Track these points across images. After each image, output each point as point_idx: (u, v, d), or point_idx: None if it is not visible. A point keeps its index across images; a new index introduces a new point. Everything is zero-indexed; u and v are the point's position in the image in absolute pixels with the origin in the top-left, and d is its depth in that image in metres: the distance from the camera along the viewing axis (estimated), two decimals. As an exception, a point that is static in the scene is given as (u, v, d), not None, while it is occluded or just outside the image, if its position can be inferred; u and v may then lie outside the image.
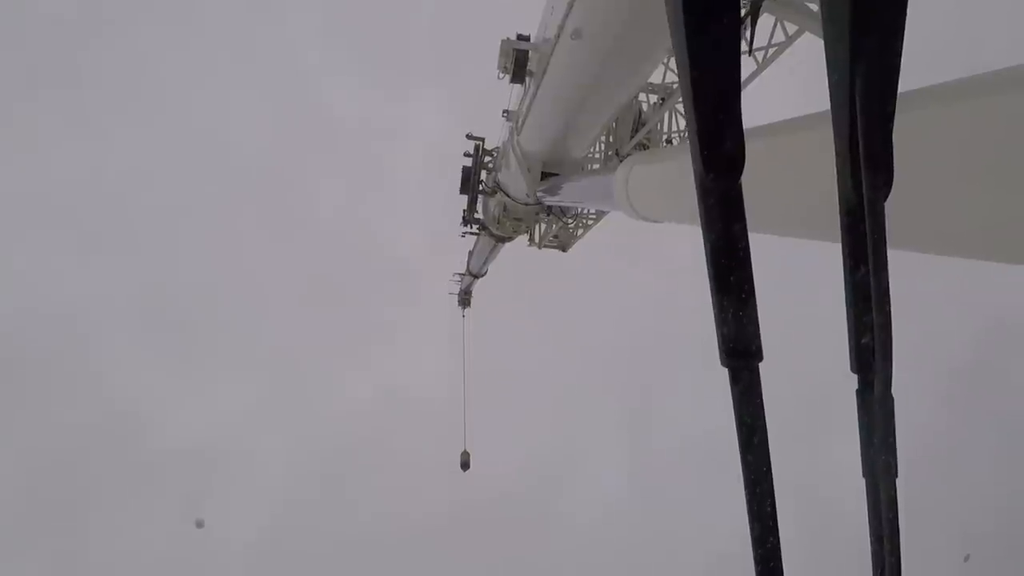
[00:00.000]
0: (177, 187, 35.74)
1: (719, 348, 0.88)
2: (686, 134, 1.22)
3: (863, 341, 0.98)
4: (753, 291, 0.86)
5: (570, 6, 4.31)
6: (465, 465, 16.95)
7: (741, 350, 0.87)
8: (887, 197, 0.93)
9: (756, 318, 0.87)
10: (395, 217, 41.28)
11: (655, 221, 4.19)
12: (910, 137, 1.28)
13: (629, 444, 40.16)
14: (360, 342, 40.15)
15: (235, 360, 37.41)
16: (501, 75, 6.37)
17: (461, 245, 15.84)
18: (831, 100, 0.91)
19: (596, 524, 38.06)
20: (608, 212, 9.26)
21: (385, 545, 36.02)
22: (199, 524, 29.09)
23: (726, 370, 0.90)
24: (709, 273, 0.86)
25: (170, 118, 34.91)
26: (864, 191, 0.91)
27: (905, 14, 0.83)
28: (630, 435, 40.34)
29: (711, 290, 0.86)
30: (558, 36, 4.69)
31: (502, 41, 6.18)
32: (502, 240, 12.82)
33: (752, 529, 0.90)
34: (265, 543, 35.06)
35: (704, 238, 0.85)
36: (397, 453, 37.64)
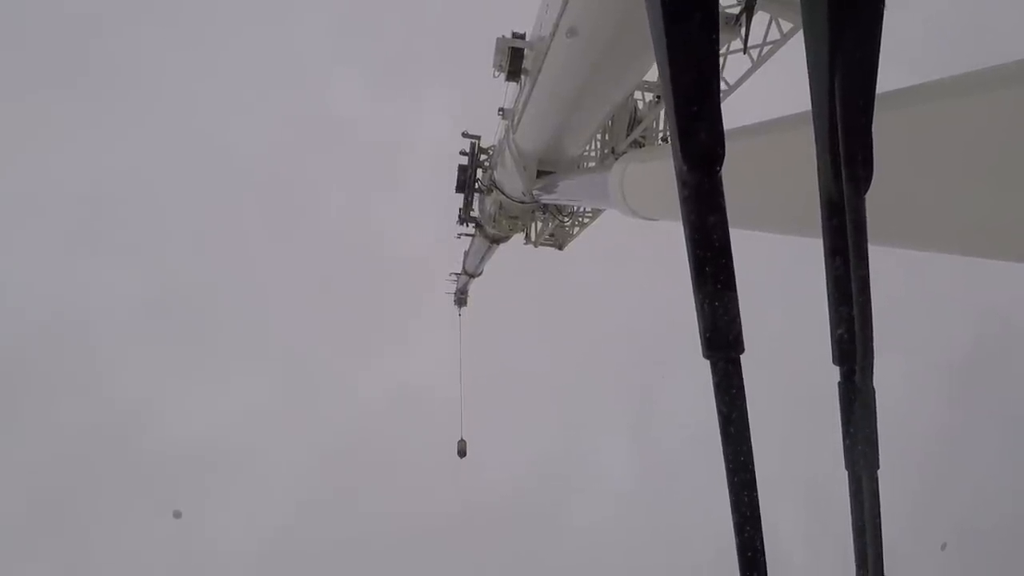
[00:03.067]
0: (182, 187, 35.71)
1: (700, 339, 0.89)
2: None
3: (844, 334, 0.99)
4: (733, 282, 0.87)
5: (565, 4, 4.31)
6: (462, 452, 17.65)
7: (721, 341, 0.88)
8: (867, 189, 0.95)
9: (736, 309, 0.88)
10: (403, 216, 41.15)
11: (650, 219, 4.20)
12: (892, 136, 1.29)
13: (636, 441, 40.29)
14: (368, 342, 40.22)
15: (243, 360, 37.49)
16: (496, 73, 6.38)
17: (466, 244, 15.92)
18: (811, 95, 0.92)
19: (604, 521, 38.18)
20: (604, 210, 9.27)
21: (392, 545, 36.08)
22: (176, 515, 29.13)
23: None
24: (690, 265, 0.87)
25: (175, 118, 34.87)
26: (844, 183, 0.92)
27: (883, 11, 0.84)
28: (637, 432, 40.49)
29: (692, 282, 0.87)
30: (553, 34, 4.69)
31: (497, 39, 6.19)
32: (497, 241, 12.84)
33: (733, 519, 0.91)
34: (274, 543, 35.08)
35: (684, 230, 0.86)
36: (405, 453, 37.71)
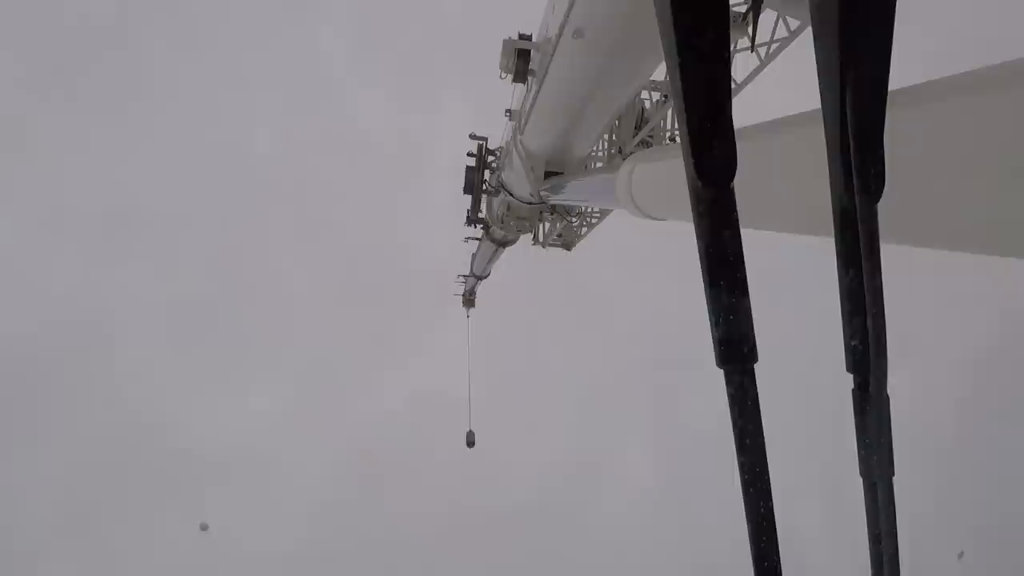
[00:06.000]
0: (202, 195, 36.14)
1: (714, 351, 0.90)
2: None
3: (858, 344, 1.00)
4: (747, 294, 0.87)
5: (571, 5, 4.31)
6: (470, 443, 18.45)
7: (735, 352, 0.88)
8: (879, 199, 0.94)
9: (750, 320, 0.88)
10: (422, 221, 41.24)
11: (658, 219, 4.19)
12: (903, 134, 1.28)
13: (654, 442, 40.12)
14: (388, 347, 40.48)
15: (264, 366, 37.93)
16: (503, 75, 6.39)
17: (474, 247, 15.97)
18: (822, 103, 0.92)
19: (622, 524, 38.11)
20: (612, 210, 9.25)
21: (410, 548, 36.23)
22: (203, 527, 29.47)
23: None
24: (703, 277, 0.87)
25: (195, 127, 35.32)
26: (856, 193, 0.92)
27: (894, 14, 0.84)
28: (654, 434, 40.33)
29: (705, 294, 0.88)
30: (559, 35, 4.69)
31: (504, 41, 6.20)
32: (503, 244, 12.88)
33: (749, 528, 0.91)
34: (297, 545, 35.33)
35: (697, 243, 0.87)
36: (425, 456, 37.89)
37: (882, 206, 0.96)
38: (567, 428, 40.50)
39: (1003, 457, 33.75)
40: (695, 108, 0.78)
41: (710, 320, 0.89)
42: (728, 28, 0.76)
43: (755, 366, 0.91)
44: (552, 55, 5.07)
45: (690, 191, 0.85)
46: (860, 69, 0.85)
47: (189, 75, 34.81)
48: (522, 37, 6.30)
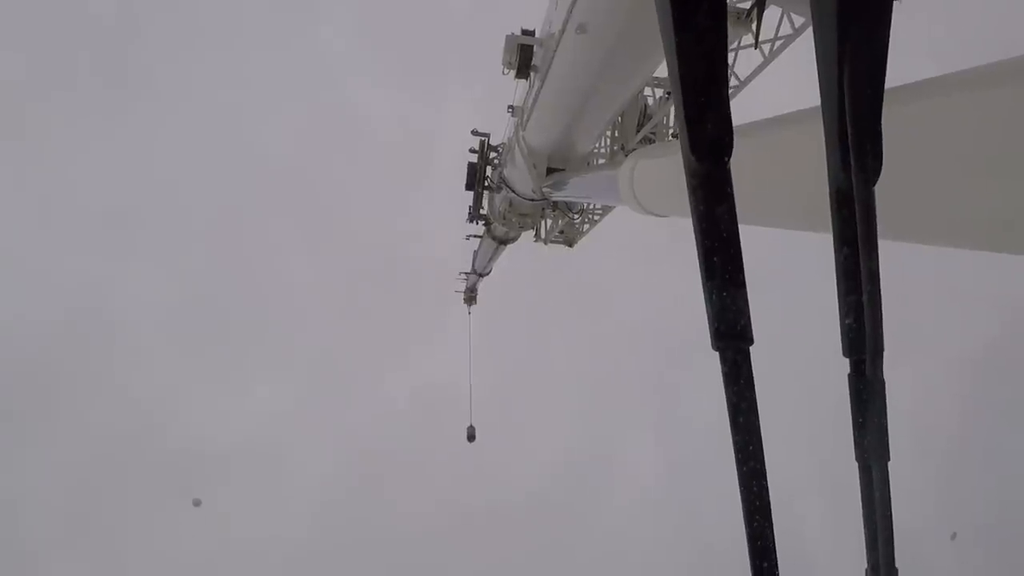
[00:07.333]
0: (206, 192, 36.25)
1: (709, 330, 0.90)
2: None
3: (853, 324, 0.99)
4: (742, 274, 0.87)
5: (574, 0, 4.31)
6: (471, 437, 18.83)
7: (730, 332, 0.88)
8: (876, 182, 0.94)
9: (745, 301, 0.88)
10: (427, 217, 41.22)
11: (661, 216, 4.19)
12: (903, 131, 1.28)
13: (657, 436, 40.10)
14: (389, 345, 40.56)
15: (267, 364, 38.12)
16: (506, 71, 6.39)
17: (476, 245, 15.98)
18: (820, 87, 0.92)
19: (626, 518, 38.15)
20: (614, 207, 9.24)
21: (413, 543, 36.34)
22: (196, 503, 29.62)
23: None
24: (698, 256, 0.87)
25: (201, 122, 35.41)
26: (853, 176, 0.92)
27: (892, 4, 0.84)
28: (657, 428, 40.31)
29: (700, 273, 0.87)
30: (562, 31, 4.69)
31: (507, 37, 6.20)
32: (504, 242, 12.89)
33: (743, 508, 0.92)
34: (300, 542, 35.47)
35: (692, 220, 0.87)
36: (425, 454, 37.99)
37: (881, 204, 0.96)
38: (570, 424, 40.56)
39: (1002, 451, 33.69)
40: (691, 84, 0.78)
41: (705, 299, 0.88)
42: (724, 5, 0.76)
43: (752, 351, 0.91)
44: (555, 51, 5.07)
45: (685, 167, 0.85)
46: (858, 55, 0.86)
47: (195, 71, 34.99)
48: (525, 33, 6.30)
